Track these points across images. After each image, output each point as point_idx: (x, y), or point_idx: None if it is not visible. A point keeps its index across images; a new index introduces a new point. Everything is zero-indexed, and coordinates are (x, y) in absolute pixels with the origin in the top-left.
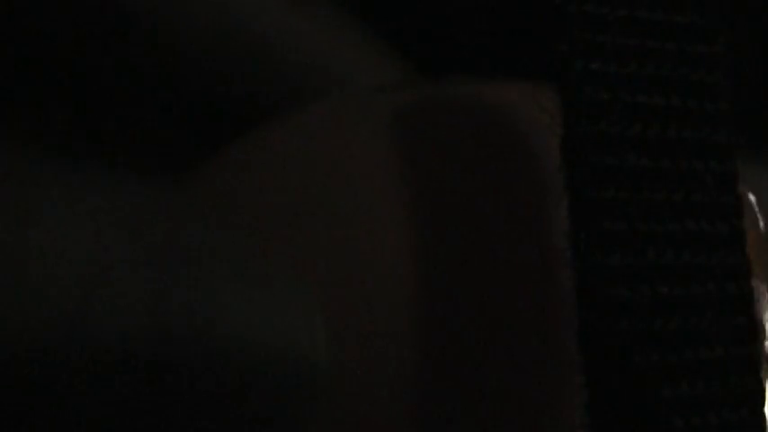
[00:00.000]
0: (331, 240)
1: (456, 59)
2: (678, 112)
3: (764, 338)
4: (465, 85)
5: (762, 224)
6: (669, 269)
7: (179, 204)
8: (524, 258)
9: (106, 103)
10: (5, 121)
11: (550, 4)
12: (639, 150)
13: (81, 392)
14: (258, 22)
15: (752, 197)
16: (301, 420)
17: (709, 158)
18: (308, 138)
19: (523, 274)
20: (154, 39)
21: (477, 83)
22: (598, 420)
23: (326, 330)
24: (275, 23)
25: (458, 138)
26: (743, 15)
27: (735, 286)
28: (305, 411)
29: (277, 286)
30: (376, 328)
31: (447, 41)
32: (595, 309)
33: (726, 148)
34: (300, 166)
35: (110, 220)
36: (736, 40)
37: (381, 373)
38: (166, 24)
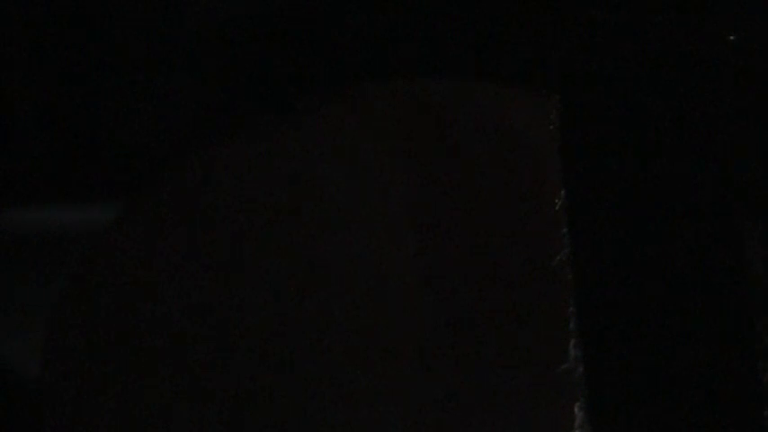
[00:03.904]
0: (331, 235)
1: (459, 62)
2: (677, 116)
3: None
4: (467, 86)
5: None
6: (667, 270)
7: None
8: (524, 257)
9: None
10: None
11: (552, 8)
12: (637, 153)
13: None
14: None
15: None
16: None
17: (707, 161)
18: (312, 137)
19: (523, 273)
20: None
21: (480, 85)
22: (598, 420)
23: None
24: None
25: (460, 138)
26: (744, 17)
27: (732, 287)
28: None
29: None
30: (380, 324)
31: (450, 43)
32: (594, 308)
33: (724, 151)
34: (304, 166)
35: None
36: (737, 44)
37: (384, 366)
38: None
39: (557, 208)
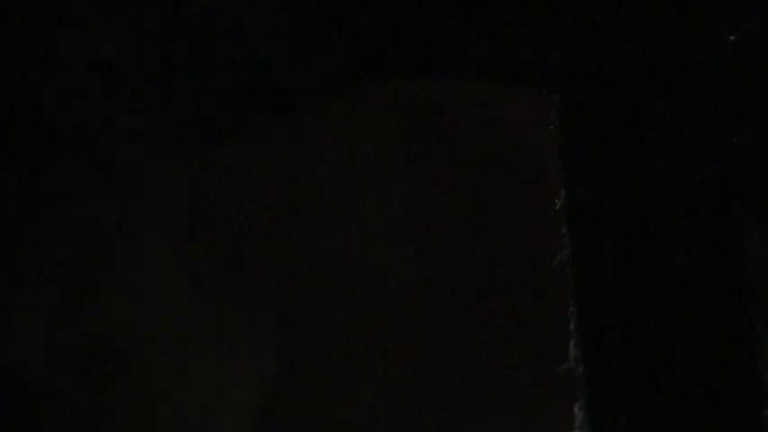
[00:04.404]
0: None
1: (459, 62)
2: (677, 116)
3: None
4: (467, 86)
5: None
6: (667, 270)
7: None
8: (524, 257)
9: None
10: None
11: (552, 8)
12: (637, 153)
13: None
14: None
15: None
16: None
17: (707, 161)
18: (313, 137)
19: (523, 273)
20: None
21: (480, 84)
22: (598, 420)
23: None
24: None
25: (460, 138)
26: (744, 17)
27: (732, 287)
28: None
29: None
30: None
31: (450, 43)
32: (594, 308)
33: (724, 151)
34: (304, 166)
35: None
36: (738, 44)
37: (386, 365)
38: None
39: (557, 208)
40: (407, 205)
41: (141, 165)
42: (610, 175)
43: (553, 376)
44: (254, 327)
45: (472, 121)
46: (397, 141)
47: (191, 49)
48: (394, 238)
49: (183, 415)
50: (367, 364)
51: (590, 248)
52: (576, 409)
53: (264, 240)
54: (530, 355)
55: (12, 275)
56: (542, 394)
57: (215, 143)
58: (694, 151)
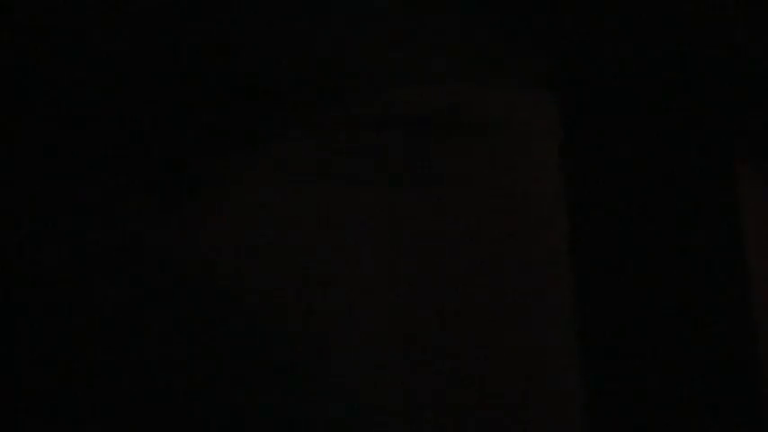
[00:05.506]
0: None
1: (459, 62)
2: (677, 116)
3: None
4: (466, 87)
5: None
6: (668, 269)
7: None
8: (524, 257)
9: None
10: None
11: (552, 9)
12: (638, 153)
13: None
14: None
15: None
16: None
17: (708, 160)
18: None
19: (523, 273)
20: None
21: (480, 85)
22: (598, 420)
23: None
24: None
25: (460, 140)
26: (743, 17)
27: (733, 288)
28: None
29: None
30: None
31: (451, 44)
32: (594, 308)
33: (725, 150)
34: (303, 176)
35: None
36: (736, 41)
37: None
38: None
39: (557, 206)
40: (407, 208)
41: (150, 167)
42: (610, 175)
43: (553, 377)
44: (254, 329)
45: (473, 121)
46: (398, 143)
47: (191, 56)
48: (394, 239)
49: None
50: (365, 365)
51: (590, 249)
52: (576, 410)
53: (268, 247)
54: (530, 355)
55: None
56: (542, 396)
57: (214, 149)
58: (694, 151)
